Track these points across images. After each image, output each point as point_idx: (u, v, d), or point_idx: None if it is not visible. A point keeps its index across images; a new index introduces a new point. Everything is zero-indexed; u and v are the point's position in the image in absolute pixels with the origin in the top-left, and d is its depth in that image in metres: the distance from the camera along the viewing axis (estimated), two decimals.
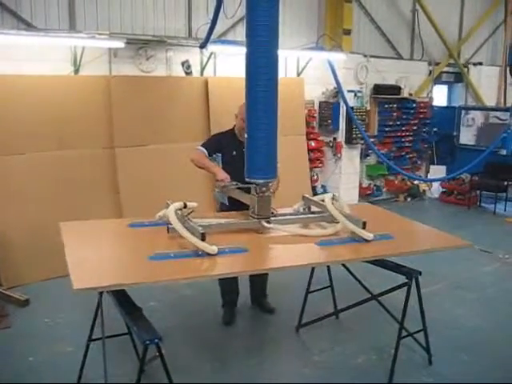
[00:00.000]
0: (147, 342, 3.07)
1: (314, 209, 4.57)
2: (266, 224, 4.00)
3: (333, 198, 4.22)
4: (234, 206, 4.65)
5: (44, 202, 6.34)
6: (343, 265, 4.86)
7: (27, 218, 6.21)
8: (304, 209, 4.61)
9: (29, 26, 6.59)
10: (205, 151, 4.94)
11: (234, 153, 4.90)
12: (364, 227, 3.86)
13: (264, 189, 4.06)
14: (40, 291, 5.82)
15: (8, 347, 4.67)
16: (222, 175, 4.67)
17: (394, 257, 4.08)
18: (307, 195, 4.70)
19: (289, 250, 3.90)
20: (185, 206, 3.88)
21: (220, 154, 4.98)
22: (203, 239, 3.48)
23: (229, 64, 8.17)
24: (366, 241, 3.85)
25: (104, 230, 4.35)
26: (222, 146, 5.01)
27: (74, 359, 4.18)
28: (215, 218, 4.42)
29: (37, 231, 6.17)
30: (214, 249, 3.45)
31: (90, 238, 3.97)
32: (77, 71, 6.88)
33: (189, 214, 3.90)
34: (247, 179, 4.18)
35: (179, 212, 3.82)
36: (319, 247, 3.77)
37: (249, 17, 3.96)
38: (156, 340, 3.09)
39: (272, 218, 4.10)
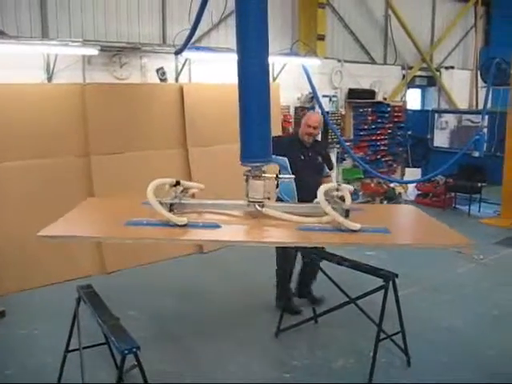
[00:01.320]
0: (125, 352, 3.05)
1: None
2: (258, 207, 3.88)
3: (337, 190, 4.09)
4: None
5: (19, 212, 6.24)
6: (321, 269, 4.89)
7: (2, 228, 6.12)
8: None
9: (0, 34, 6.50)
10: None
11: (302, 157, 5.25)
12: (347, 215, 3.62)
13: (257, 172, 3.97)
14: (16, 302, 5.72)
15: None
16: None
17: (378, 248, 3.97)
18: None
19: (262, 230, 3.77)
20: (178, 184, 3.86)
21: (286, 159, 4.97)
22: (171, 210, 3.57)
23: (204, 70, 8.17)
24: (353, 231, 3.55)
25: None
26: (286, 149, 5.03)
27: (52, 371, 4.13)
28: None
29: (12, 242, 6.08)
30: (183, 220, 3.47)
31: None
32: (50, 79, 6.81)
33: (183, 191, 3.90)
34: (242, 164, 4.08)
35: (173, 188, 3.84)
36: (297, 231, 3.58)
37: (240, 21, 3.91)
38: (134, 349, 3.07)
39: (266, 203, 3.89)
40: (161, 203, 3.59)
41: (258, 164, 3.89)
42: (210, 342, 4.93)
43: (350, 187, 4.06)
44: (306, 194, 4.47)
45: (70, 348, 3.92)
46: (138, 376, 3.28)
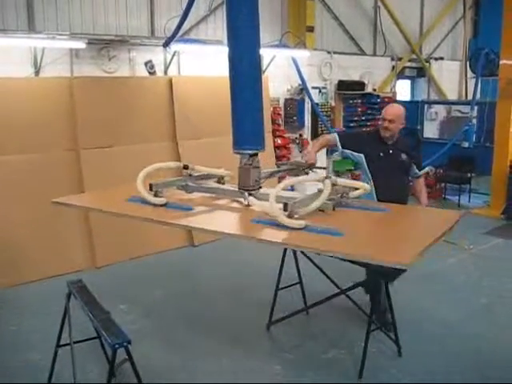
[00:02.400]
0: (116, 346, 3.04)
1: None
2: (246, 194, 3.86)
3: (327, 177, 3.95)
4: None
5: (8, 208, 6.20)
6: (311, 260, 4.89)
7: None
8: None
9: None
10: (336, 138, 4.98)
11: (381, 154, 4.76)
12: (285, 209, 3.24)
13: (246, 160, 3.95)
14: (6, 298, 5.70)
15: None
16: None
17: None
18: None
19: (222, 218, 3.71)
20: (186, 168, 4.02)
21: (362, 155, 4.75)
22: (150, 189, 3.76)
23: (193, 63, 8.14)
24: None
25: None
26: (363, 145, 4.81)
27: (44, 366, 4.12)
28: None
29: (3, 236, 6.04)
30: (161, 200, 3.66)
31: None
32: (37, 73, 6.76)
33: (189, 174, 4.05)
34: (234, 151, 3.96)
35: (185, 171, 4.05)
36: (250, 223, 3.36)
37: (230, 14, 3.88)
38: (125, 343, 3.06)
39: (260, 192, 3.82)
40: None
41: (249, 152, 3.85)
42: (201, 335, 4.93)
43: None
44: (388, 193, 4.21)
45: (61, 343, 3.91)
46: (129, 370, 3.28)
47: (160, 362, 4.43)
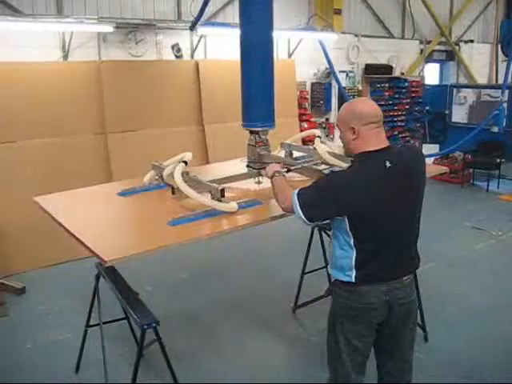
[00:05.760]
0: (145, 327, 3.08)
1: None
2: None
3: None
4: None
5: (37, 190, 6.25)
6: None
7: (20, 206, 6.17)
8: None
9: (16, 12, 6.50)
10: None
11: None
12: (222, 196, 3.34)
13: (252, 137, 3.99)
14: (35, 279, 5.82)
15: (5, 335, 4.69)
16: None
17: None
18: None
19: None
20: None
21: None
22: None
23: (219, 46, 8.12)
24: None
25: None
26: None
27: (72, 345, 4.21)
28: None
29: (30, 220, 6.12)
30: (233, 206, 3.31)
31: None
32: (66, 57, 6.82)
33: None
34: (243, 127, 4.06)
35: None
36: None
37: None
38: (154, 324, 3.11)
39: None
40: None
41: (257, 129, 3.94)
42: (227, 319, 4.97)
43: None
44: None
45: (90, 323, 3.98)
46: (155, 352, 3.32)
47: (187, 344, 4.49)
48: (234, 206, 3.31)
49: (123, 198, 3.83)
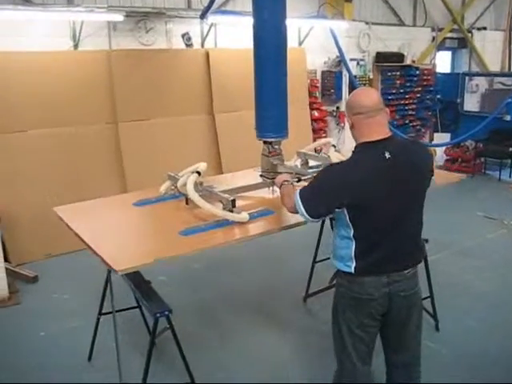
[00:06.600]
0: (157, 315, 3.11)
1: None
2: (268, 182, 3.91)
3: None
4: None
5: (48, 179, 6.34)
6: None
7: (32, 195, 6.22)
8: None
9: (26, 1, 6.50)
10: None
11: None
12: (233, 206, 3.43)
13: (265, 147, 4.04)
14: (48, 268, 5.87)
15: (19, 323, 4.75)
16: None
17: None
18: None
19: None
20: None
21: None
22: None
23: (229, 35, 8.08)
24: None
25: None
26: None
27: (85, 333, 4.25)
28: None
29: (42, 208, 6.16)
30: (244, 216, 3.37)
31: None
32: (76, 46, 6.82)
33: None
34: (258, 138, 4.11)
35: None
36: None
37: None
38: (166, 312, 3.13)
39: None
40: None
41: (270, 140, 4.00)
42: (239, 308, 4.99)
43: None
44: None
45: (103, 311, 4.01)
46: (167, 340, 3.34)
47: (198, 333, 4.51)
48: (245, 216, 3.38)
49: (138, 208, 3.92)
